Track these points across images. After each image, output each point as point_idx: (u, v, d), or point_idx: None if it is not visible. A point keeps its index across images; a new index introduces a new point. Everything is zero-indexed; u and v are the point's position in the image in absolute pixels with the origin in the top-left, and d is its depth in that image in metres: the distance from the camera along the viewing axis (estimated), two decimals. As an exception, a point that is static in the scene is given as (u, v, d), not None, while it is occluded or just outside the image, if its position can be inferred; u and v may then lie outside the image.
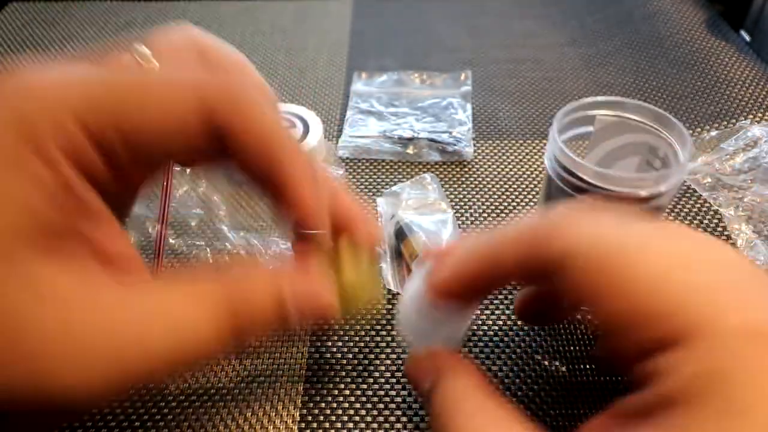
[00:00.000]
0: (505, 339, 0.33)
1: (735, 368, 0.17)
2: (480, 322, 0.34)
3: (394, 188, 0.42)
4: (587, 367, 0.32)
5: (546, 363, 0.32)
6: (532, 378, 0.31)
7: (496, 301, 0.35)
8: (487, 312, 0.35)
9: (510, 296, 0.35)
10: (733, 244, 0.39)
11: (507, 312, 0.35)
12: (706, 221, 0.40)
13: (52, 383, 0.18)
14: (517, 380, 0.31)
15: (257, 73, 0.30)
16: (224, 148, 0.22)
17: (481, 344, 0.33)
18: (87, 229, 0.20)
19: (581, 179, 0.29)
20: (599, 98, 0.32)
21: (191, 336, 0.20)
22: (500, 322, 0.34)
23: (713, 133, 0.45)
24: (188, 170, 0.42)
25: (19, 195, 0.18)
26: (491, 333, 0.33)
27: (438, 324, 0.27)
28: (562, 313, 0.31)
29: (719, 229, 0.40)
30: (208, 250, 0.38)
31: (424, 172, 0.45)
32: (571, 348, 0.33)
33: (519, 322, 0.34)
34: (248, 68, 0.29)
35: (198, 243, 0.39)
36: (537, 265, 0.22)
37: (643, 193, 0.28)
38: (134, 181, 0.23)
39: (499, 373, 0.31)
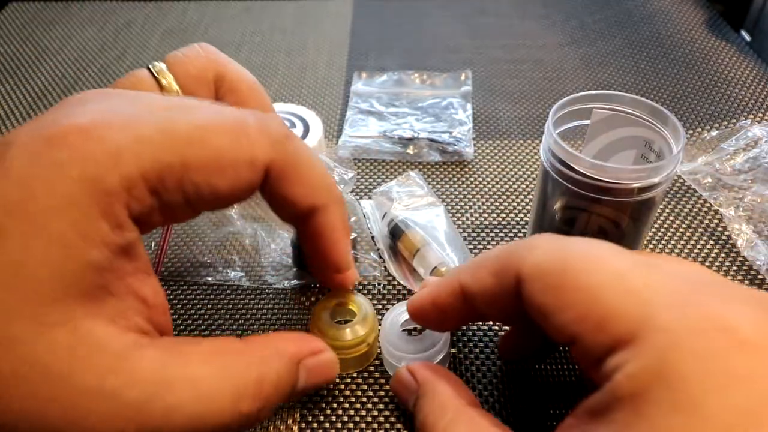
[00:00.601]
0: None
1: (680, 363, 0.17)
2: (476, 327, 0.34)
3: (381, 188, 0.42)
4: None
5: (537, 365, 0.32)
6: (526, 379, 0.31)
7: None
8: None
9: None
10: (734, 245, 0.39)
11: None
12: (706, 221, 0.40)
13: (83, 427, 0.19)
14: (511, 384, 0.31)
15: (266, 95, 0.31)
16: (273, 200, 0.25)
17: (471, 345, 0.33)
18: (135, 284, 0.21)
19: (576, 171, 0.29)
20: (595, 92, 0.32)
21: (214, 411, 0.21)
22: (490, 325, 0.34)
23: (713, 133, 0.45)
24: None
25: (82, 252, 0.19)
26: (480, 333, 0.33)
27: (417, 347, 0.30)
28: (543, 348, 0.31)
29: (719, 229, 0.40)
30: (212, 236, 0.39)
31: (424, 172, 0.45)
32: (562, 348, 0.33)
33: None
34: (260, 91, 0.30)
35: (204, 225, 0.39)
36: (500, 293, 0.23)
37: (638, 184, 0.28)
38: (175, 220, 0.24)
39: (494, 379, 0.31)
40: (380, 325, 0.31)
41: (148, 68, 0.27)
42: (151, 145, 0.20)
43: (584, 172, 0.29)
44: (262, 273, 0.37)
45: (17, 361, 0.18)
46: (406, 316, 0.31)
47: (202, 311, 0.35)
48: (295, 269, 0.37)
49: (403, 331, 0.31)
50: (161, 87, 0.27)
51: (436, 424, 0.24)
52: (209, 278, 0.37)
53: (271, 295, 0.36)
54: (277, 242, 0.38)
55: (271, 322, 0.34)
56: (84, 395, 0.19)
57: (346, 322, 0.31)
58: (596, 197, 0.29)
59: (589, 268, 0.20)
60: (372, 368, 0.32)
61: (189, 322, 0.34)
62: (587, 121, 0.32)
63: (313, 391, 0.30)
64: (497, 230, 0.40)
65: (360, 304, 0.31)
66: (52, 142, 0.20)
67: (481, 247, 0.39)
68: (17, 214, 0.19)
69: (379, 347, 0.32)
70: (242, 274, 0.37)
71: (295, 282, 0.36)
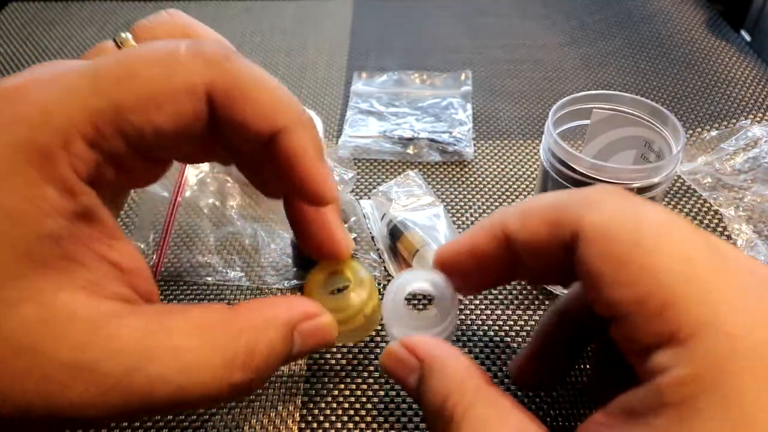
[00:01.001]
0: (503, 338, 0.33)
1: (738, 376, 0.16)
2: (481, 322, 0.34)
3: (380, 188, 0.42)
4: (587, 366, 0.32)
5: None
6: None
7: (496, 301, 0.35)
8: (483, 308, 0.35)
9: (506, 294, 0.35)
10: (734, 244, 0.38)
11: (502, 307, 0.35)
12: (706, 221, 0.40)
13: (61, 402, 0.18)
14: (511, 385, 0.31)
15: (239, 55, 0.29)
16: (226, 133, 0.21)
17: (476, 340, 0.33)
18: (102, 249, 0.20)
19: (576, 171, 0.29)
20: (595, 92, 0.32)
21: (201, 383, 0.20)
22: (494, 317, 0.34)
23: (713, 133, 0.45)
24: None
25: (34, 223, 0.18)
26: (485, 328, 0.33)
27: (423, 323, 0.26)
28: (560, 371, 0.28)
29: (719, 229, 0.40)
30: (212, 237, 0.39)
31: (424, 172, 0.45)
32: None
33: (513, 323, 0.34)
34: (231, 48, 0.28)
35: (204, 225, 0.39)
36: (553, 246, 0.21)
37: (638, 184, 0.28)
38: (137, 177, 0.23)
39: (499, 373, 0.31)
40: (382, 296, 0.27)
41: (114, 39, 0.25)
42: (78, 93, 0.19)
43: (584, 172, 0.29)
44: (262, 273, 0.37)
45: None
46: (412, 286, 0.27)
47: (205, 301, 0.35)
48: (295, 269, 0.37)
49: (408, 304, 0.29)
50: None
51: (455, 406, 0.21)
52: (209, 278, 0.37)
53: (271, 295, 0.36)
54: (277, 242, 0.38)
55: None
56: (60, 369, 0.18)
57: (341, 291, 0.27)
58: None
59: (661, 246, 0.18)
60: (372, 368, 0.32)
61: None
62: (587, 121, 0.33)
63: (311, 353, 0.27)
64: (497, 230, 0.40)
65: (355, 269, 0.27)
66: None
67: (481, 247, 0.39)
68: None
69: (381, 325, 0.30)
70: (242, 274, 0.37)
71: (295, 282, 0.36)
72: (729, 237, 0.39)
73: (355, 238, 0.35)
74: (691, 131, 0.48)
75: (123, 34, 0.26)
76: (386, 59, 0.58)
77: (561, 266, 0.21)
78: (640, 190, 0.29)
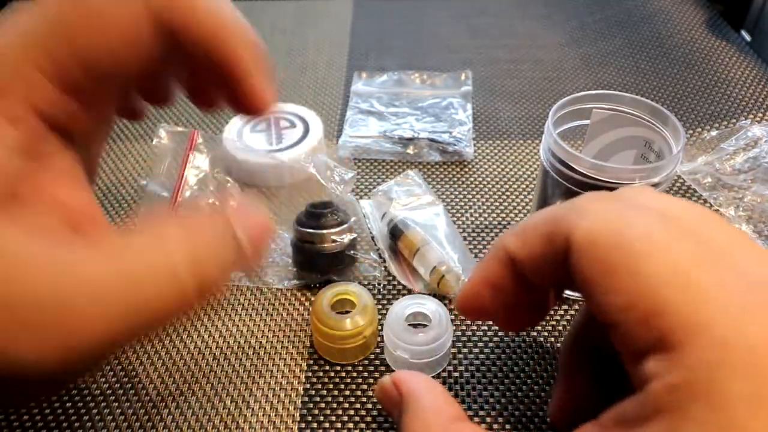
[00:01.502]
0: (504, 338, 0.33)
1: (728, 383, 0.16)
2: (475, 327, 0.34)
3: (380, 188, 0.42)
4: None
5: (539, 367, 0.32)
6: (527, 380, 0.31)
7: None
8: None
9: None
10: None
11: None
12: (706, 221, 0.40)
13: (6, 353, 0.16)
14: (512, 386, 0.31)
15: None
16: (178, 52, 0.21)
17: (471, 345, 0.33)
18: (50, 186, 0.20)
19: (576, 171, 0.29)
20: (595, 92, 0.32)
21: (154, 291, 0.18)
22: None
23: (713, 133, 0.45)
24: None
25: None
26: (480, 333, 0.33)
27: (421, 340, 0.30)
28: (597, 398, 0.25)
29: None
30: None
31: (424, 172, 0.45)
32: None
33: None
34: None
35: None
36: (552, 259, 0.21)
37: (638, 184, 0.28)
38: (101, 112, 0.22)
39: (499, 374, 0.31)
40: (384, 318, 0.32)
41: None
42: (33, 30, 0.19)
43: (584, 172, 0.29)
44: (262, 273, 0.37)
45: None
46: (411, 309, 0.32)
47: (202, 312, 0.35)
48: (295, 269, 0.37)
49: (409, 324, 0.31)
50: None
51: None
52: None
53: (271, 295, 0.36)
54: (277, 242, 0.38)
55: (272, 322, 0.34)
56: None
57: (346, 312, 0.31)
58: None
59: (648, 251, 0.18)
60: (372, 368, 0.32)
61: (190, 322, 0.34)
62: (587, 121, 0.33)
63: (260, 260, 0.27)
64: (497, 230, 0.40)
65: (360, 296, 0.32)
66: None
67: (481, 247, 0.39)
68: None
69: (381, 340, 0.32)
70: (242, 274, 0.37)
71: (295, 282, 0.36)
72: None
73: (355, 239, 0.35)
74: (691, 131, 0.48)
75: None
76: (386, 59, 0.58)
77: (568, 278, 0.21)
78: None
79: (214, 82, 0.24)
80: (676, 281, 0.17)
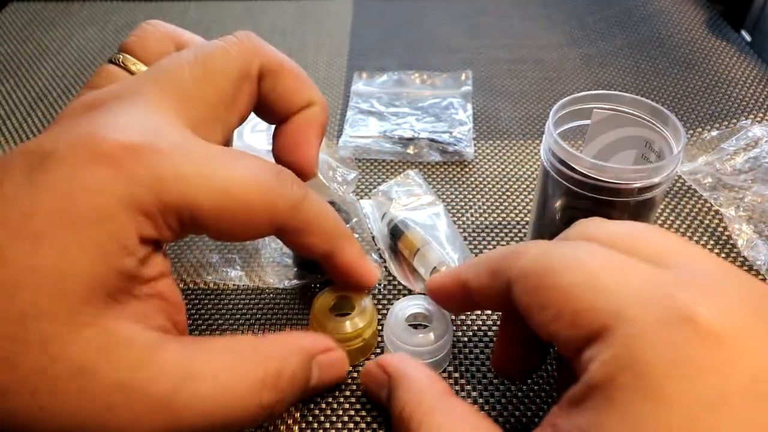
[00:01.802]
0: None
1: (644, 352, 0.18)
2: (481, 322, 0.34)
3: (380, 188, 0.42)
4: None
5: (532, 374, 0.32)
6: (528, 384, 0.31)
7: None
8: (475, 318, 0.35)
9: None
10: (734, 245, 0.39)
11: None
12: (706, 221, 0.40)
13: (108, 421, 0.20)
14: (512, 386, 0.31)
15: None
16: (282, 238, 0.27)
17: (471, 345, 0.33)
18: (159, 288, 0.23)
19: (576, 171, 0.29)
20: (595, 92, 0.32)
21: (235, 403, 0.22)
22: (495, 317, 0.34)
23: (714, 133, 0.45)
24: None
25: (116, 260, 0.21)
26: (480, 333, 0.33)
27: (421, 341, 0.30)
28: (536, 356, 0.29)
29: (720, 229, 0.40)
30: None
31: (424, 172, 0.45)
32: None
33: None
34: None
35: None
36: (496, 292, 0.25)
37: (638, 184, 0.28)
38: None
39: (495, 379, 0.31)
40: (385, 318, 0.32)
41: (112, 61, 0.28)
42: (194, 187, 0.23)
43: (584, 172, 0.29)
44: (262, 273, 0.37)
45: (47, 359, 0.20)
46: (411, 310, 0.32)
47: (203, 311, 0.35)
48: (295, 269, 0.37)
49: (409, 325, 0.31)
50: (132, 73, 0.28)
51: (413, 415, 0.24)
52: (209, 278, 0.37)
53: (271, 295, 0.36)
54: (277, 242, 0.38)
55: (271, 322, 0.34)
56: (111, 388, 0.20)
57: (345, 314, 0.31)
58: (596, 197, 0.29)
59: (566, 269, 0.21)
60: (372, 368, 0.32)
61: (189, 322, 0.34)
62: (587, 121, 0.32)
63: (324, 391, 0.30)
64: (497, 230, 0.40)
65: (359, 297, 0.32)
66: (98, 159, 0.21)
67: (482, 247, 0.39)
68: (58, 222, 0.20)
69: (381, 341, 0.32)
70: (242, 273, 0.37)
71: (295, 282, 0.36)
72: (729, 237, 0.39)
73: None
74: (691, 131, 0.48)
75: (120, 55, 0.28)
76: (386, 59, 0.58)
77: (508, 308, 0.24)
78: (641, 190, 0.29)
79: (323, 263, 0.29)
80: (590, 285, 0.20)
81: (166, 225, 0.23)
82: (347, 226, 0.34)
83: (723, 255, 0.38)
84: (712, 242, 0.39)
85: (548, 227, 0.33)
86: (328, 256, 0.28)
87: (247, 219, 0.24)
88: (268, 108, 0.29)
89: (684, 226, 0.40)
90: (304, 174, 0.29)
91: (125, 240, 0.21)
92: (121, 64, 0.28)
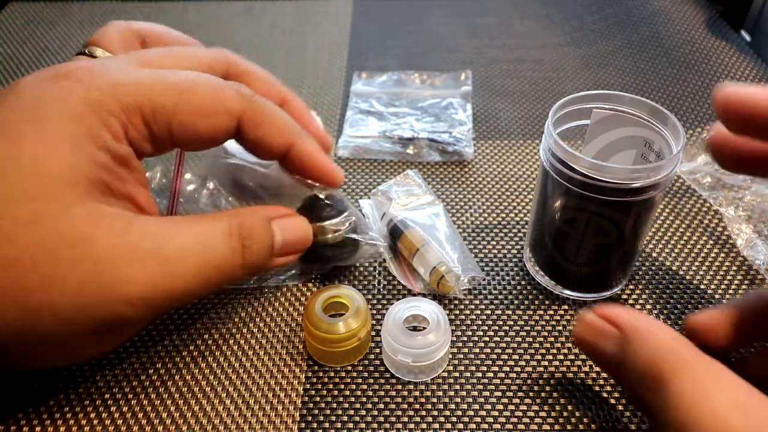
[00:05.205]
0: (503, 338, 0.33)
1: None
2: (480, 322, 0.34)
3: (380, 188, 0.42)
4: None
5: (539, 367, 0.32)
6: (526, 381, 0.31)
7: (496, 301, 0.35)
8: (482, 308, 0.35)
9: (506, 294, 0.35)
10: (733, 244, 0.39)
11: (502, 307, 0.35)
12: (706, 221, 0.40)
13: (118, 293, 0.23)
14: (513, 386, 0.31)
15: (193, 41, 0.37)
16: (241, 135, 0.29)
17: (476, 340, 0.33)
18: (130, 189, 0.26)
19: (576, 171, 0.29)
20: (595, 92, 0.32)
21: (214, 253, 0.26)
22: (494, 316, 0.34)
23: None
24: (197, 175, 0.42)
25: (91, 152, 0.24)
26: (485, 328, 0.33)
27: (419, 342, 0.30)
28: (745, 343, 0.28)
29: (719, 229, 0.40)
30: None
31: (424, 172, 0.45)
32: (558, 351, 0.33)
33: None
34: (189, 39, 0.37)
35: None
36: None
37: (638, 184, 0.28)
38: (160, 152, 0.28)
39: (499, 373, 0.31)
40: (380, 318, 0.32)
41: (80, 53, 0.32)
42: (148, 87, 0.25)
43: (584, 172, 0.29)
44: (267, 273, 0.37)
45: (42, 233, 0.22)
46: (409, 312, 0.32)
47: (203, 311, 0.35)
48: (299, 263, 0.37)
49: (407, 327, 0.31)
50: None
51: (672, 370, 0.22)
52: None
53: (271, 295, 0.36)
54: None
55: (272, 323, 0.34)
56: (109, 250, 0.23)
57: (339, 315, 0.31)
58: (596, 197, 0.29)
59: None
60: (372, 368, 0.32)
61: (189, 322, 0.34)
62: (587, 121, 0.33)
63: (296, 254, 0.31)
64: (497, 230, 0.40)
65: (352, 298, 0.32)
66: (59, 77, 0.25)
67: (481, 247, 0.39)
68: (33, 122, 0.23)
69: (379, 342, 0.32)
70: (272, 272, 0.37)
71: (294, 274, 0.36)
72: (729, 237, 0.39)
73: (354, 222, 0.36)
74: (691, 131, 0.48)
75: (87, 48, 0.32)
76: (386, 59, 0.58)
77: None
78: (640, 190, 0.29)
79: (287, 167, 0.31)
80: None
81: (132, 126, 0.25)
82: (343, 215, 0.35)
83: (722, 255, 0.38)
84: (711, 242, 0.39)
85: (548, 227, 0.34)
86: (288, 148, 0.30)
87: (206, 109, 0.27)
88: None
89: (684, 226, 0.40)
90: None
91: (97, 136, 0.24)
92: (87, 53, 0.32)
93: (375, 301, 0.35)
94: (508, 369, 0.32)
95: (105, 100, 0.24)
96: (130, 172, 0.26)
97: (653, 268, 0.37)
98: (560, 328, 0.34)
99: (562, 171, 0.30)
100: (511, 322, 0.34)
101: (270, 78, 0.34)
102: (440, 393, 0.31)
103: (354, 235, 0.35)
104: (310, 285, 0.36)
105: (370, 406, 0.30)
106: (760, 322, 0.27)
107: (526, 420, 0.29)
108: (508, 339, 0.33)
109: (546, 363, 0.32)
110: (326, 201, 0.34)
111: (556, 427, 0.29)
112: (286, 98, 0.34)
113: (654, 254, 0.38)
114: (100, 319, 0.23)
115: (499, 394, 0.30)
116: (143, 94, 0.25)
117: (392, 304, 0.33)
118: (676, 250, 0.39)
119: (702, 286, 0.36)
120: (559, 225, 0.33)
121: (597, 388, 0.31)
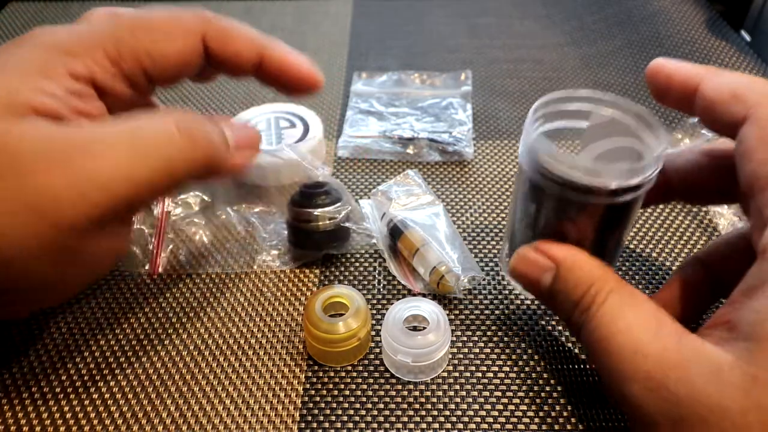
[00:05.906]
0: (503, 337, 0.33)
1: None
2: (480, 322, 0.34)
3: (380, 188, 0.42)
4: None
5: (539, 367, 0.32)
6: (526, 381, 0.31)
7: (496, 301, 0.35)
8: (483, 307, 0.35)
9: (506, 293, 0.35)
10: (715, 227, 0.39)
11: (502, 307, 0.35)
12: (696, 216, 0.40)
13: (55, 213, 0.22)
14: (513, 386, 0.31)
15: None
16: (212, 59, 0.29)
17: (475, 340, 0.33)
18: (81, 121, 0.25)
19: (554, 173, 0.27)
20: (572, 90, 0.31)
21: (153, 141, 0.24)
22: (494, 316, 0.34)
23: (713, 133, 0.45)
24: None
25: (36, 82, 0.24)
26: (484, 328, 0.33)
27: (419, 342, 0.30)
28: (689, 317, 0.31)
29: (702, 213, 0.40)
30: (206, 231, 0.39)
31: (424, 171, 0.45)
32: (554, 352, 0.33)
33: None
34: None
35: (197, 219, 0.40)
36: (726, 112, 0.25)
37: (613, 185, 0.26)
38: (141, 93, 0.29)
39: (499, 373, 0.31)
40: (380, 318, 0.32)
41: None
42: (109, 28, 0.27)
43: (563, 174, 0.27)
44: (260, 257, 0.38)
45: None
46: (408, 312, 0.32)
47: (204, 303, 0.35)
48: (292, 249, 0.37)
49: (407, 327, 0.31)
50: None
51: (596, 294, 0.25)
52: (209, 269, 0.37)
53: (269, 278, 0.36)
54: (271, 226, 0.39)
55: (272, 323, 0.34)
56: (76, 145, 0.23)
57: (339, 315, 0.31)
58: (575, 198, 0.27)
59: None
60: (372, 368, 0.32)
61: (191, 315, 0.34)
62: (572, 123, 0.32)
63: (251, 158, 0.30)
64: (497, 230, 0.40)
65: (352, 298, 0.32)
66: (24, 37, 0.26)
67: (481, 246, 0.39)
68: None
69: (379, 342, 0.32)
70: (242, 260, 0.37)
71: (291, 258, 0.37)
72: (711, 220, 0.40)
73: (349, 211, 0.36)
74: (691, 131, 0.48)
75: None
76: (386, 59, 0.58)
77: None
78: (617, 192, 0.26)
79: (261, 79, 0.32)
80: None
81: (99, 66, 0.26)
82: (338, 204, 0.35)
83: (705, 238, 0.39)
84: (693, 225, 0.39)
85: (524, 229, 0.32)
86: (260, 59, 0.30)
87: (165, 31, 0.27)
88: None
89: (667, 209, 0.40)
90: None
91: (49, 70, 0.25)
92: None
93: (375, 301, 0.35)
94: (508, 369, 0.32)
95: (66, 44, 0.25)
96: (87, 103, 0.26)
97: (637, 251, 0.38)
98: (560, 328, 0.34)
99: (539, 171, 0.28)
100: (511, 322, 0.34)
101: (252, 32, 0.32)
102: (440, 393, 0.31)
103: (348, 224, 0.36)
104: (310, 285, 0.36)
105: (370, 406, 0.30)
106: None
107: (526, 420, 0.29)
108: (507, 339, 0.33)
109: (546, 363, 0.32)
110: (323, 189, 0.35)
111: (556, 427, 0.29)
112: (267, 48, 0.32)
113: (638, 238, 0.39)
114: (40, 231, 0.22)
115: (499, 394, 0.30)
116: (103, 33, 0.26)
117: (392, 304, 0.33)
118: (659, 234, 0.39)
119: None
120: (535, 226, 0.31)
121: (597, 388, 0.31)
